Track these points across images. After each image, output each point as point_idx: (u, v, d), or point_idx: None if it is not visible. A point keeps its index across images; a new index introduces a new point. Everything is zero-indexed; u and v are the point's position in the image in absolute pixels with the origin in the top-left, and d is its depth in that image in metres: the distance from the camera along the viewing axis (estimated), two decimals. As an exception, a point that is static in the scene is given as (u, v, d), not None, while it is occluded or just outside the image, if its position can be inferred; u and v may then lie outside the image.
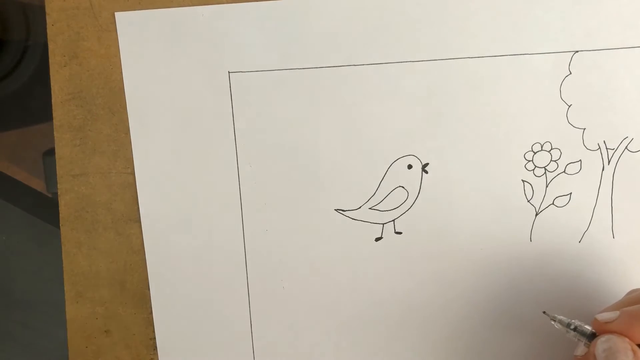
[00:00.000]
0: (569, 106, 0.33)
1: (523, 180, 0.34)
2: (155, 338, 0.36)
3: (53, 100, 0.34)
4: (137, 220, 0.35)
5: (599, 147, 0.34)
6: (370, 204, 0.34)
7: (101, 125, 0.34)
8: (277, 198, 0.34)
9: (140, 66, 0.33)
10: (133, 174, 0.35)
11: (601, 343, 0.28)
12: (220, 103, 0.33)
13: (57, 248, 0.36)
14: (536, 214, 0.34)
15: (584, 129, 0.33)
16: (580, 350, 0.31)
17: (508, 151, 0.34)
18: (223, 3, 0.33)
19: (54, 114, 0.34)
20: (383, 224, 0.35)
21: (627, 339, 0.28)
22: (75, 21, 0.33)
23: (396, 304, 0.36)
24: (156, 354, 0.37)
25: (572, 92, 0.33)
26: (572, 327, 0.31)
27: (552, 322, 0.32)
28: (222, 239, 0.35)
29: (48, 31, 0.33)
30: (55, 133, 0.34)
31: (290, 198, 0.34)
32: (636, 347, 0.28)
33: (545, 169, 0.34)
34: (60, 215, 0.35)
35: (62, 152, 0.35)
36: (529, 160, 0.34)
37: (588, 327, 0.30)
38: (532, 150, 0.34)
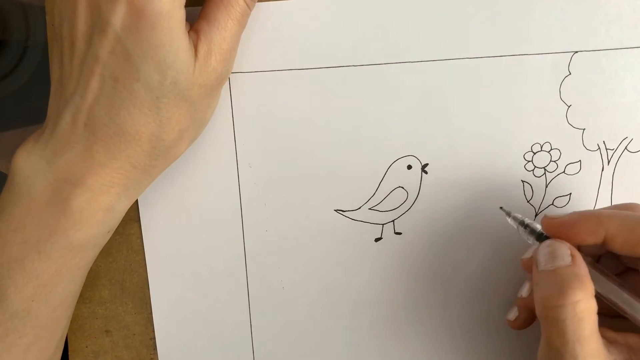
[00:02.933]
0: (569, 106, 0.33)
1: (523, 181, 0.34)
2: (155, 338, 0.37)
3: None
4: (137, 220, 0.35)
5: (599, 148, 0.34)
6: (369, 205, 0.34)
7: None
8: (276, 198, 0.34)
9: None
10: (133, 174, 0.35)
11: (542, 248, 0.29)
12: (220, 103, 0.33)
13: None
14: (536, 214, 0.34)
15: (584, 129, 0.33)
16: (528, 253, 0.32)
17: (508, 151, 0.34)
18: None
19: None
20: (383, 224, 0.35)
21: (567, 244, 0.29)
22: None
23: (396, 304, 0.36)
24: (156, 354, 0.37)
25: (572, 93, 0.33)
26: (524, 224, 0.31)
27: (507, 218, 0.33)
28: (222, 239, 0.35)
29: (48, 31, 0.33)
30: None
31: (290, 198, 0.34)
32: (576, 252, 0.28)
33: (545, 170, 0.34)
34: (60, 215, 0.35)
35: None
36: (529, 161, 0.34)
37: (539, 226, 0.31)
38: (532, 151, 0.34)
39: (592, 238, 0.29)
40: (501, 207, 0.34)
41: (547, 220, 0.30)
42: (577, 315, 0.26)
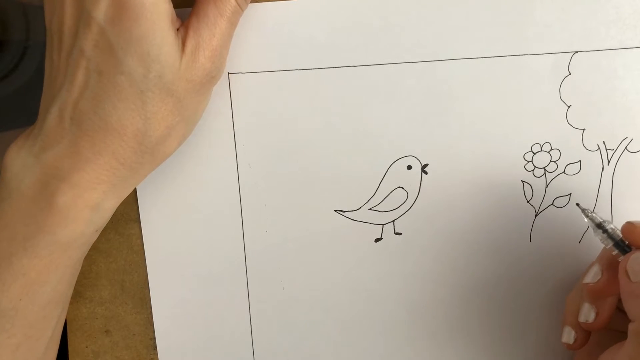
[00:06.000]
0: (569, 107, 0.33)
1: (523, 181, 0.34)
2: (155, 338, 0.37)
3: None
4: (137, 220, 0.35)
5: (599, 148, 0.34)
6: (369, 205, 0.34)
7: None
8: (276, 199, 0.34)
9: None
10: (133, 174, 0.35)
11: (635, 259, 0.28)
12: (220, 104, 0.33)
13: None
14: (536, 215, 0.34)
15: (584, 129, 0.33)
16: (592, 275, 0.30)
17: (507, 152, 0.34)
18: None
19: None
20: (383, 224, 0.35)
21: None
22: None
23: (396, 304, 0.36)
24: (156, 354, 0.37)
25: (572, 93, 0.33)
26: (602, 228, 0.29)
27: (584, 218, 0.31)
28: (222, 240, 0.35)
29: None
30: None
31: (290, 199, 0.34)
32: None
33: (545, 170, 0.34)
34: (60, 215, 0.35)
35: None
36: (529, 161, 0.34)
37: (620, 233, 0.29)
38: (532, 151, 0.34)
39: None
40: (577, 204, 0.32)
41: (630, 227, 0.28)
42: None
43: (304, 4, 0.32)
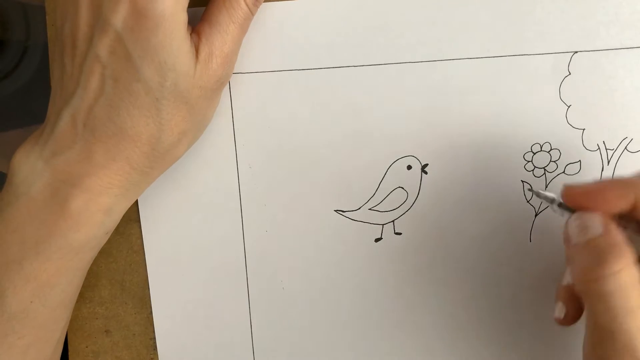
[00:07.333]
0: (569, 107, 0.33)
1: (522, 181, 0.34)
2: (155, 338, 0.37)
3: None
4: (137, 220, 0.35)
5: (599, 148, 0.34)
6: (369, 205, 0.34)
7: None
8: (276, 199, 0.34)
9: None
10: (133, 174, 0.35)
11: (571, 222, 0.28)
12: (220, 104, 0.33)
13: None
14: (536, 215, 0.34)
15: (584, 129, 0.33)
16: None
17: (507, 152, 0.34)
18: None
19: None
20: (383, 224, 0.35)
21: (597, 214, 0.27)
22: (75, 21, 0.33)
23: (396, 304, 0.36)
24: (156, 354, 0.37)
25: (572, 93, 0.33)
26: (556, 203, 0.30)
27: (538, 198, 0.32)
28: (222, 240, 0.35)
29: (48, 31, 0.33)
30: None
31: (290, 199, 0.34)
32: (609, 220, 0.27)
33: (545, 170, 0.34)
34: (61, 215, 0.35)
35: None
36: (529, 161, 0.34)
37: (560, 199, 0.30)
38: (532, 151, 0.34)
39: (621, 203, 0.27)
40: (530, 189, 0.33)
41: (568, 190, 0.29)
42: (621, 286, 0.25)
43: (304, 4, 0.32)
